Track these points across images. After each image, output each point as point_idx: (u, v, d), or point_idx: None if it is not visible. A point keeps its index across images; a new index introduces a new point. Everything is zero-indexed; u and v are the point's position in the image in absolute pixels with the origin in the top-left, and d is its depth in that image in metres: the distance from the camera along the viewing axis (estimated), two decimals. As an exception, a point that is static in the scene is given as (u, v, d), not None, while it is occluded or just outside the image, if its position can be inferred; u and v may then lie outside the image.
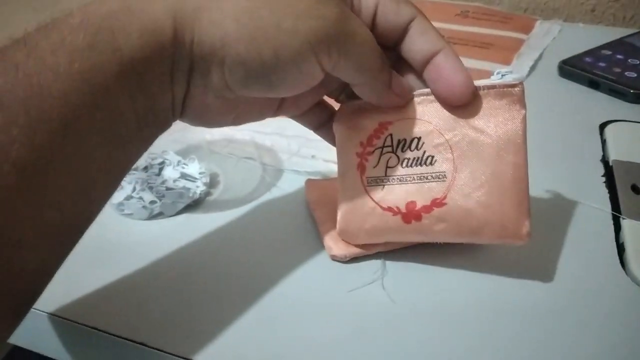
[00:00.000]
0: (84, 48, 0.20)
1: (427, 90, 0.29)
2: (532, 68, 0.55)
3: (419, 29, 0.27)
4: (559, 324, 0.28)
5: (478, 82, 0.29)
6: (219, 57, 0.23)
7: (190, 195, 0.36)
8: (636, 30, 0.62)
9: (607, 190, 0.38)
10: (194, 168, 0.39)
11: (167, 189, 0.37)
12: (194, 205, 0.37)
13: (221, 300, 0.30)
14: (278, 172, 0.40)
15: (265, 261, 0.32)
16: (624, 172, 0.39)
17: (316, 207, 0.35)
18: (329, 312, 0.29)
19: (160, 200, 0.36)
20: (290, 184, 0.39)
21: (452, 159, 0.29)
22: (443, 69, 0.27)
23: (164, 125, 0.25)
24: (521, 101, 0.29)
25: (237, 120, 0.29)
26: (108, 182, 0.23)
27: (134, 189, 0.36)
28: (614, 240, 0.34)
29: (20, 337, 0.31)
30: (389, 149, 0.30)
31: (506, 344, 0.27)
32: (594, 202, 0.36)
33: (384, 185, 0.30)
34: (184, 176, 0.38)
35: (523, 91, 0.29)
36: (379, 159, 0.30)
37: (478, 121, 0.28)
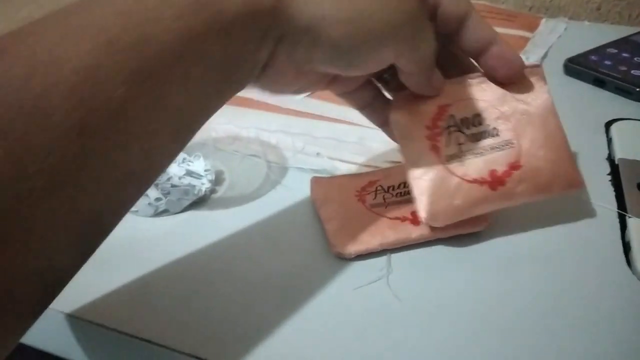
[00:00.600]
0: (192, 3, 0.22)
1: (473, 74, 0.33)
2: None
3: (475, 21, 0.30)
4: (565, 322, 0.28)
5: None
6: (313, 35, 0.25)
7: (196, 192, 0.37)
8: (642, 29, 0.62)
9: (612, 189, 0.38)
10: (199, 165, 0.39)
11: (173, 186, 0.37)
12: (199, 202, 0.37)
13: (227, 297, 0.30)
14: (283, 169, 0.40)
15: (270, 258, 0.33)
16: (629, 170, 0.39)
17: (321, 205, 0.35)
18: (334, 310, 0.29)
19: (165, 197, 0.36)
20: (295, 181, 0.39)
21: (512, 127, 0.32)
22: (505, 56, 0.31)
23: (241, 87, 0.26)
24: (544, 78, 0.34)
25: (298, 91, 0.31)
26: (179, 134, 0.24)
27: (139, 186, 0.36)
28: (620, 238, 0.34)
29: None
30: (455, 128, 0.32)
31: (511, 340, 0.27)
32: (599, 200, 0.36)
33: (462, 161, 0.31)
34: (189, 173, 0.38)
35: (543, 70, 0.34)
36: (448, 138, 0.31)
37: (520, 95, 0.33)
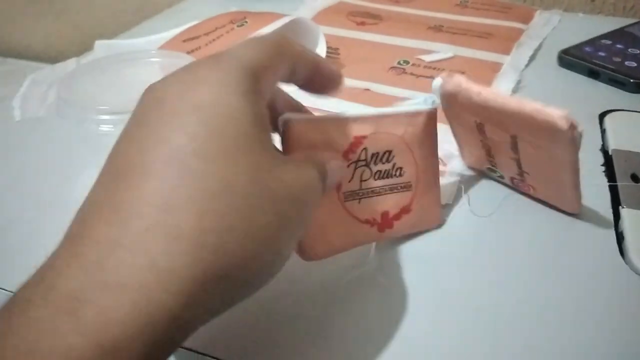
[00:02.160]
0: None
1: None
2: (532, 58, 0.55)
3: (298, 51, 0.25)
4: (558, 313, 0.28)
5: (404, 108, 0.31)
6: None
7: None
8: (636, 20, 0.61)
9: (606, 180, 0.38)
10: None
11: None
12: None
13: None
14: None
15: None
16: (623, 161, 0.39)
17: None
18: (326, 299, 0.29)
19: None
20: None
21: (416, 168, 0.31)
22: (330, 69, 0.26)
23: None
24: (435, 118, 0.32)
25: None
26: None
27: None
28: (614, 229, 0.33)
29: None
30: (363, 162, 0.30)
31: (503, 333, 0.27)
32: (593, 191, 0.35)
33: (360, 199, 0.30)
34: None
35: (436, 112, 0.32)
36: (354, 172, 0.30)
37: (418, 136, 0.31)
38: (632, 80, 0.49)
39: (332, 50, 0.56)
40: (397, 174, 0.31)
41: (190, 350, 0.26)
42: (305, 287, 0.30)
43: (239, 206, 0.19)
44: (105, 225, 0.18)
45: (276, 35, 0.23)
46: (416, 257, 0.32)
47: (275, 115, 0.26)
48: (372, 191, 0.30)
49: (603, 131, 0.43)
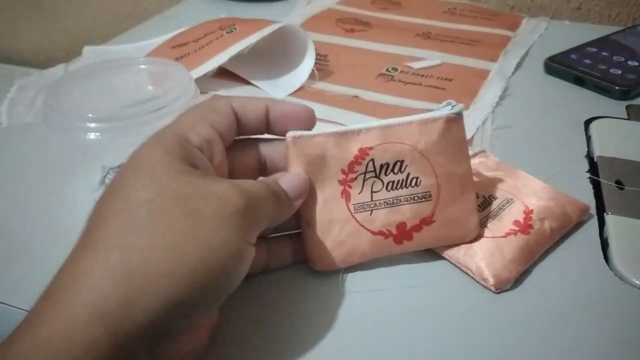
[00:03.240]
0: None
1: (393, 120, 0.30)
2: (519, 65, 0.56)
3: (240, 104, 0.29)
4: (543, 319, 0.28)
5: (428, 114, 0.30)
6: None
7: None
8: (621, 28, 0.62)
9: (591, 186, 0.38)
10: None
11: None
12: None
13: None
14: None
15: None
16: (608, 167, 0.39)
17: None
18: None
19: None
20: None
21: (436, 178, 0.30)
22: (288, 109, 0.30)
23: None
24: (461, 124, 0.31)
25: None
26: None
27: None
28: (598, 235, 0.34)
29: None
30: (372, 174, 0.30)
31: (487, 339, 0.27)
32: (578, 197, 0.36)
33: (371, 210, 0.30)
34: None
35: (462, 117, 0.31)
36: (363, 184, 0.30)
37: (436, 144, 0.30)
38: (617, 88, 0.49)
39: (321, 57, 0.57)
40: (413, 184, 0.30)
41: None
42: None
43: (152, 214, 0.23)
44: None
45: (210, 101, 0.29)
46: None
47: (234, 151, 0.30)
48: (385, 202, 0.30)
49: (588, 138, 0.44)
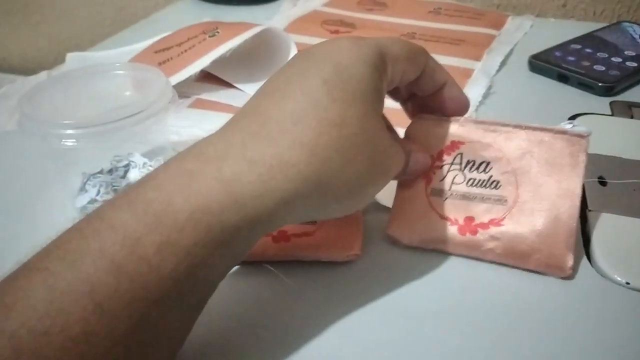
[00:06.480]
0: (190, 246, 0.22)
1: (502, 121, 0.31)
2: (503, 63, 0.56)
3: (434, 66, 0.30)
4: (525, 316, 0.28)
5: (549, 126, 0.31)
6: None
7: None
8: (606, 24, 0.62)
9: (574, 183, 0.38)
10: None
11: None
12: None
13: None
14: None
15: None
16: (590, 164, 0.39)
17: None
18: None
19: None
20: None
21: (516, 187, 0.31)
22: (455, 96, 0.32)
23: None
24: (585, 152, 0.31)
25: None
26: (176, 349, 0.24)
27: (98, 192, 0.36)
28: (580, 232, 0.34)
29: None
30: (457, 166, 0.32)
31: (471, 337, 0.27)
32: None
33: (446, 198, 0.32)
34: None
35: (588, 142, 0.31)
36: (447, 174, 0.32)
37: (544, 159, 0.31)
38: (600, 84, 0.49)
39: (305, 59, 0.56)
40: (493, 186, 0.31)
41: None
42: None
43: (347, 138, 0.25)
44: (250, 123, 0.25)
45: (419, 46, 0.30)
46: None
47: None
48: (462, 195, 0.31)
49: (572, 135, 0.44)
